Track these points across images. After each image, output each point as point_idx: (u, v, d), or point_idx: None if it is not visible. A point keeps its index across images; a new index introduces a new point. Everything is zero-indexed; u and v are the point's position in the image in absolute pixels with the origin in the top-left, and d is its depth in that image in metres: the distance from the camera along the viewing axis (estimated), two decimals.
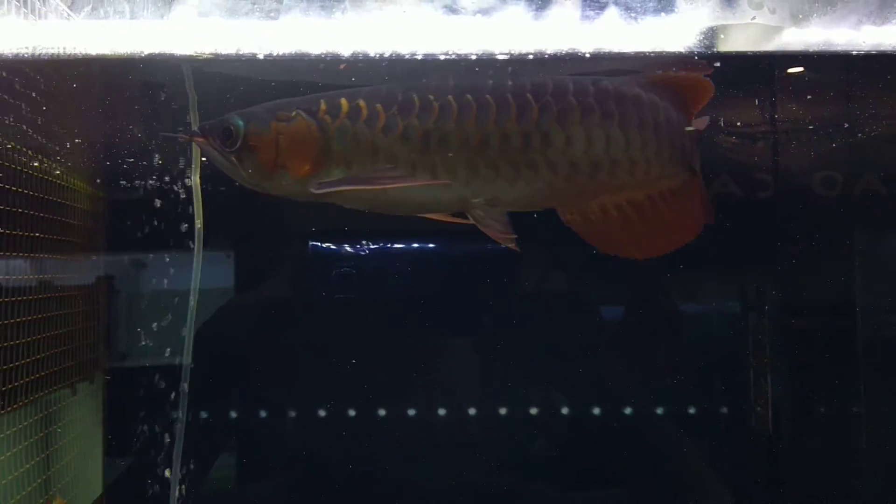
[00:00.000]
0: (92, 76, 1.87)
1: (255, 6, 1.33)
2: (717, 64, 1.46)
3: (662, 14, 1.35)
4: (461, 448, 2.41)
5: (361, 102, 1.37)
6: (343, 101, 1.37)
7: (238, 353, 2.40)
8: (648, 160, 1.44)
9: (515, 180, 1.42)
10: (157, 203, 2.49)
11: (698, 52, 1.41)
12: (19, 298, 2.08)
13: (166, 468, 2.36)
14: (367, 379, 2.39)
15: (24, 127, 2.04)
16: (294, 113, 1.38)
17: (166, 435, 2.38)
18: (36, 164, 2.16)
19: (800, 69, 1.71)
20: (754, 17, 1.40)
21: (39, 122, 2.08)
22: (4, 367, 1.90)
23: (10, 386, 1.84)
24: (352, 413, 2.42)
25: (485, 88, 1.37)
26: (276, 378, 2.41)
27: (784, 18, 1.37)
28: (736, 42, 1.46)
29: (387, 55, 1.35)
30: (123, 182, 2.48)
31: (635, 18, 1.35)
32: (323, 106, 1.38)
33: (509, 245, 1.43)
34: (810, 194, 2.16)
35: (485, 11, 1.33)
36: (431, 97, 1.35)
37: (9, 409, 1.84)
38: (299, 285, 2.37)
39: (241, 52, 1.34)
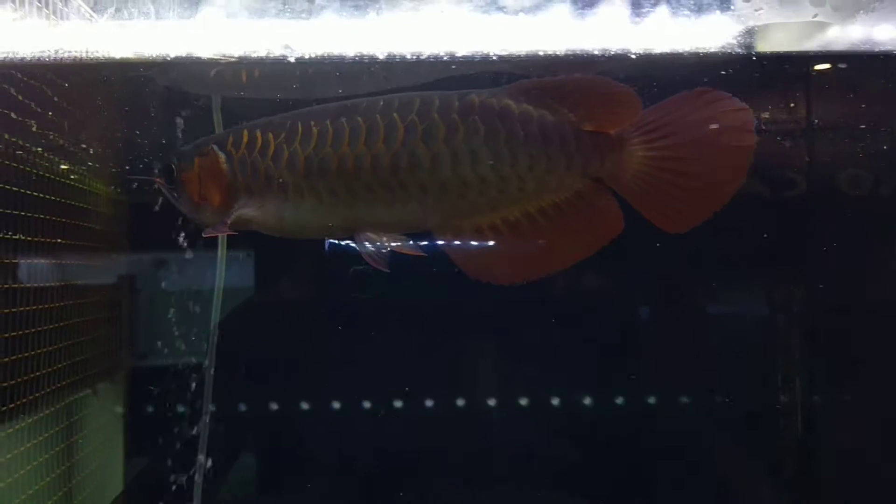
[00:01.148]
0: (113, 79, 1.82)
1: (286, 7, 1.27)
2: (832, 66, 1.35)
3: (717, 12, 1.27)
4: (484, 451, 2.38)
5: (258, 133, 1.41)
6: (245, 132, 1.42)
7: (255, 352, 2.39)
8: (521, 175, 1.36)
9: (392, 203, 1.40)
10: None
11: (752, 52, 1.33)
12: (44, 304, 2.06)
13: (188, 466, 2.34)
14: (386, 379, 2.38)
15: (47, 131, 2.01)
16: (209, 148, 1.46)
17: (188, 432, 2.37)
18: (59, 167, 2.13)
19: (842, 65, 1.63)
20: (816, 15, 1.32)
21: (62, 126, 2.04)
22: (31, 375, 1.88)
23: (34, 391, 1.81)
24: (371, 410, 2.41)
25: (358, 109, 1.34)
26: (292, 377, 2.39)
27: (847, 16, 1.29)
28: (786, 40, 1.38)
29: (424, 56, 1.28)
30: (143, 184, 2.46)
31: (688, 17, 1.27)
32: (230, 139, 1.44)
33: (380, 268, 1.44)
34: (846, 194, 2.10)
35: (528, 10, 1.26)
36: (312, 123, 1.36)
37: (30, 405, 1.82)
38: (317, 284, 2.35)
39: (270, 55, 1.27)
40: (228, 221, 1.48)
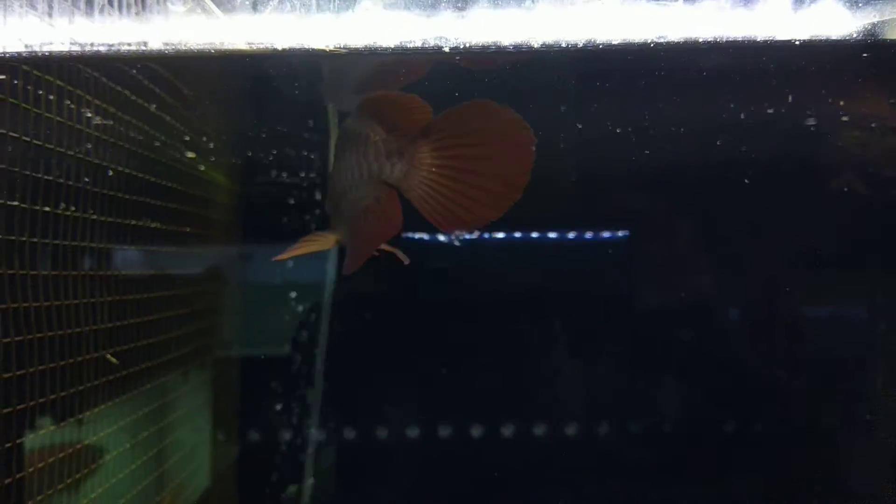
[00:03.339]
0: (235, 70, 1.87)
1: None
2: None
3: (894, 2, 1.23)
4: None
5: None
6: None
7: (330, 346, 2.43)
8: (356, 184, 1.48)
9: None
10: (288, 199, 2.52)
11: None
12: (172, 291, 2.13)
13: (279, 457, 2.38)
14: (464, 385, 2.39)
15: (177, 123, 2.07)
16: None
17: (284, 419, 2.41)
18: (183, 158, 2.20)
19: None
20: None
21: (189, 118, 2.11)
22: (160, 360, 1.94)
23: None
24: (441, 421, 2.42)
25: None
26: (370, 376, 2.43)
27: None
28: None
29: (580, 45, 1.27)
30: (259, 176, 2.52)
31: (857, 4, 1.24)
32: None
33: None
34: None
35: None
36: None
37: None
38: (394, 280, 2.36)
39: (427, 44, 1.29)
40: None
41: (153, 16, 1.36)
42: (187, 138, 2.17)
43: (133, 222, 1.86)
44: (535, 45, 1.27)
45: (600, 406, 2.37)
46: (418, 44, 1.29)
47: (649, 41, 1.24)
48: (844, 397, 2.21)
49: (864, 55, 1.30)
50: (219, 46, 1.30)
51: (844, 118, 1.83)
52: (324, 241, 1.63)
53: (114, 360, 1.69)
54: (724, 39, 1.24)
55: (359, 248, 1.48)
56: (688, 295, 2.25)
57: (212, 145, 2.41)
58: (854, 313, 2.28)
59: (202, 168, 2.39)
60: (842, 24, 1.23)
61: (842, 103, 1.70)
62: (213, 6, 1.47)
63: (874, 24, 1.23)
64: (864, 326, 2.23)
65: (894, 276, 2.12)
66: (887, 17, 1.22)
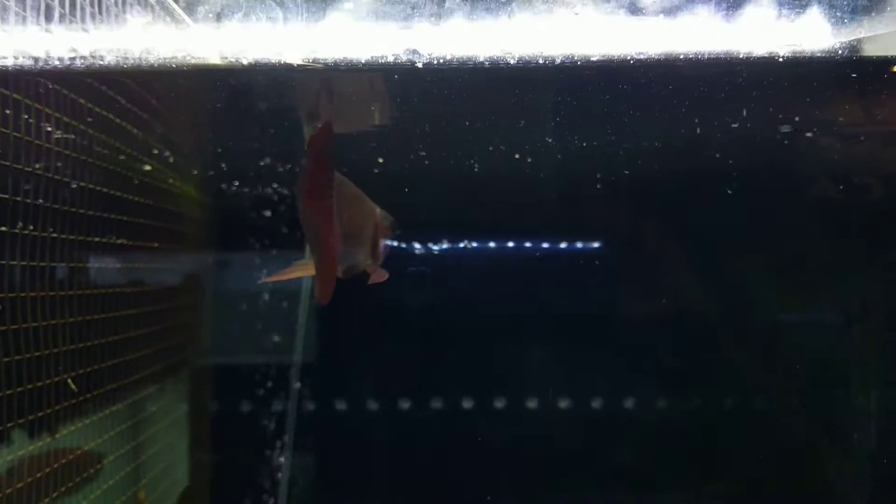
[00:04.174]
0: (205, 84, 1.82)
1: (415, 11, 1.23)
2: None
3: (873, 14, 1.20)
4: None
5: None
6: None
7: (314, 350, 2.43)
8: None
9: None
10: (263, 212, 2.47)
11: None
12: (128, 311, 2.07)
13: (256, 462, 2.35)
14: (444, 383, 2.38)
15: (143, 134, 2.01)
16: None
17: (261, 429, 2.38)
18: (151, 172, 2.14)
19: None
20: None
21: (160, 131, 2.05)
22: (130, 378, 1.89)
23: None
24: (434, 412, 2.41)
25: None
26: (350, 376, 2.43)
27: None
28: None
29: (557, 60, 1.23)
30: (230, 189, 2.49)
31: (842, 19, 1.21)
32: None
33: None
34: None
35: (668, 12, 1.21)
36: None
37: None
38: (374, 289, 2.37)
39: (398, 60, 1.24)
40: None
41: (115, 26, 1.31)
42: (156, 151, 2.11)
43: (96, 239, 1.80)
44: (512, 61, 1.22)
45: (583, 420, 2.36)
46: (390, 59, 1.24)
47: (629, 57, 1.20)
48: (823, 404, 2.21)
49: (845, 71, 1.28)
50: (182, 60, 1.25)
51: (825, 129, 1.81)
52: (307, 269, 1.61)
53: (74, 386, 1.62)
54: (706, 55, 1.21)
55: (322, 277, 1.46)
56: (669, 304, 2.24)
57: (182, 158, 2.35)
58: (833, 320, 2.29)
59: (172, 181, 2.34)
60: (823, 40, 1.20)
61: (820, 115, 1.68)
62: (184, 15, 1.42)
63: (859, 41, 1.21)
64: (843, 333, 2.24)
65: (874, 281, 2.12)
66: (869, 34, 1.20)
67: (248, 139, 2.30)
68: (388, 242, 1.73)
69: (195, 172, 2.48)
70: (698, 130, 1.58)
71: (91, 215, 1.77)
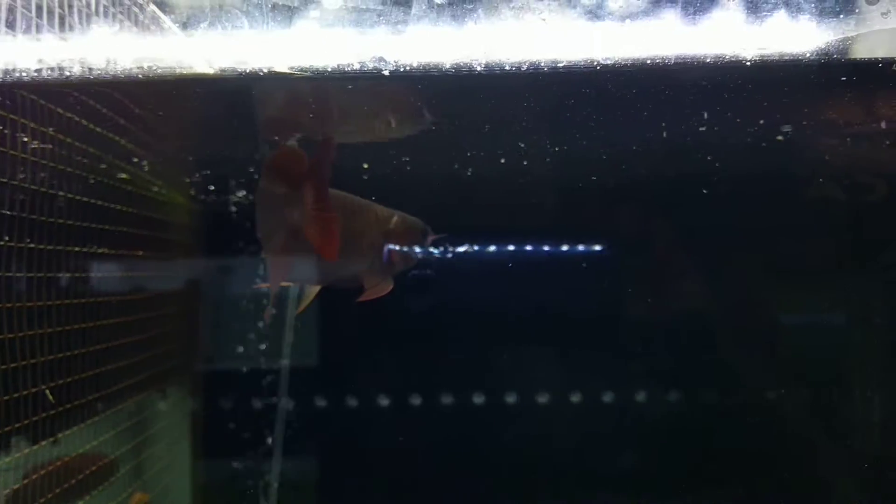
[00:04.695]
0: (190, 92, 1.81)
1: (381, 18, 1.22)
2: None
3: (841, 16, 1.19)
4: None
5: None
6: None
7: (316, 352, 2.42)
8: None
9: None
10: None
11: (879, 59, 1.24)
12: (122, 318, 2.06)
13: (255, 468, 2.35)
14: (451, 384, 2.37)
15: (127, 143, 2.01)
16: None
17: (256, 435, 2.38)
18: (142, 179, 2.14)
19: None
20: None
21: (145, 140, 2.05)
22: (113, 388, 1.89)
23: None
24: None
25: None
26: (355, 377, 2.42)
27: None
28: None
29: (524, 67, 1.22)
30: (218, 195, 2.49)
31: (809, 21, 1.20)
32: None
33: None
34: None
35: (634, 16, 1.20)
36: None
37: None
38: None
39: (364, 67, 1.23)
40: None
41: (81, 33, 1.31)
42: (136, 159, 2.11)
43: (76, 248, 1.79)
44: (478, 68, 1.21)
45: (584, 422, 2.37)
46: (356, 66, 1.23)
47: (594, 62, 1.19)
48: (824, 405, 2.20)
49: (815, 74, 1.26)
50: (147, 71, 1.24)
51: (815, 131, 1.80)
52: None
53: (52, 397, 1.62)
54: (673, 59, 1.20)
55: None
56: (671, 305, 2.24)
57: (169, 165, 2.35)
58: (833, 320, 2.28)
59: (158, 189, 2.33)
60: (791, 43, 1.19)
61: (793, 116, 1.67)
62: (170, 23, 1.42)
63: (828, 44, 1.19)
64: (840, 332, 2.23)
65: (871, 283, 2.11)
66: (837, 37, 1.18)
67: (235, 146, 2.30)
68: (418, 250, 1.72)
69: (183, 180, 2.48)
70: (665, 134, 1.57)
71: (70, 225, 1.76)
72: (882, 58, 1.27)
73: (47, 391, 1.60)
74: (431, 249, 1.80)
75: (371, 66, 1.23)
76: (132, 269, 2.18)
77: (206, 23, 1.21)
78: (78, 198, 1.80)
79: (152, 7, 1.32)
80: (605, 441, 2.38)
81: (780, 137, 1.60)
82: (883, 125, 1.73)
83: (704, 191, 1.96)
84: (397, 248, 1.69)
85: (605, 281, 2.26)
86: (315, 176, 1.46)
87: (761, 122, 1.56)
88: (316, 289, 1.67)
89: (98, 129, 1.86)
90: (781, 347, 2.31)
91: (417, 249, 1.74)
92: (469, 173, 1.99)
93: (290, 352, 2.47)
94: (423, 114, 1.65)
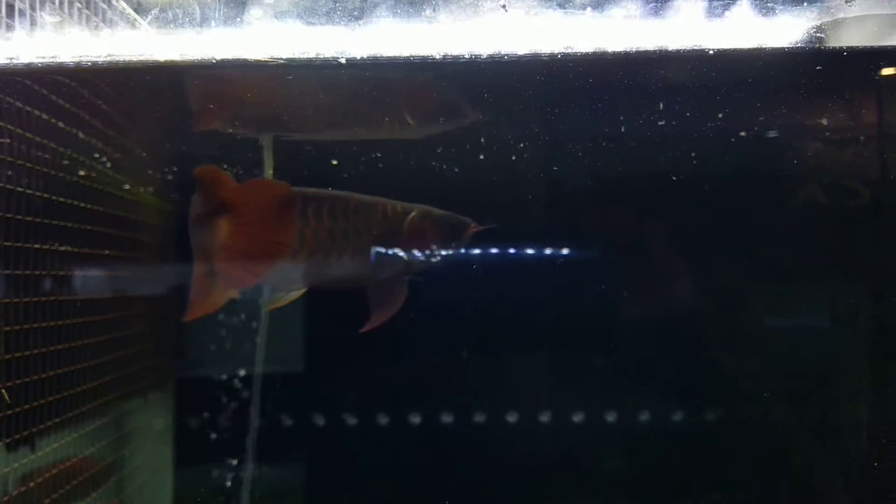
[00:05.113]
0: (160, 84, 1.78)
1: (337, 5, 1.19)
2: None
3: (805, 3, 1.16)
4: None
5: None
6: None
7: (303, 357, 2.38)
8: None
9: None
10: None
11: (844, 48, 1.22)
12: (93, 318, 2.03)
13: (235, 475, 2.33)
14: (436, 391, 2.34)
15: (93, 139, 1.98)
16: None
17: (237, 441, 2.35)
18: (108, 177, 2.11)
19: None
20: None
21: (109, 134, 2.01)
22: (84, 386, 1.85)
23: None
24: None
25: None
26: (338, 384, 2.37)
27: None
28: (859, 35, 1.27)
29: (484, 56, 1.19)
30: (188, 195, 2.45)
31: (772, 10, 1.17)
32: None
33: None
34: None
35: (596, 5, 1.17)
36: None
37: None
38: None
39: (321, 56, 1.20)
40: None
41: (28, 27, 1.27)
42: (102, 156, 2.07)
43: (39, 246, 1.75)
44: (438, 57, 1.18)
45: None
46: (312, 55, 1.20)
47: (557, 53, 1.16)
48: (814, 410, 2.19)
49: (778, 65, 1.24)
50: (95, 59, 1.21)
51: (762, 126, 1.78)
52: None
53: (7, 397, 1.58)
54: (634, 50, 1.17)
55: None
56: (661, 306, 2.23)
57: (140, 163, 2.32)
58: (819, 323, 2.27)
59: (128, 187, 2.29)
60: (754, 34, 1.17)
61: (754, 110, 1.64)
62: (136, 16, 1.39)
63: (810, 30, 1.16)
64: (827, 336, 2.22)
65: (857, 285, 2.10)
66: (802, 26, 1.16)
67: (207, 143, 2.26)
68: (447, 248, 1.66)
69: (154, 178, 2.44)
70: (623, 129, 1.54)
71: (28, 221, 1.72)
72: (847, 47, 1.26)
73: (3, 391, 1.56)
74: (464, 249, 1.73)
75: (327, 55, 1.20)
76: (100, 268, 2.14)
77: (157, 9, 1.18)
78: (38, 194, 1.76)
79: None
80: (592, 450, 2.36)
81: (742, 134, 1.57)
82: (856, 121, 1.72)
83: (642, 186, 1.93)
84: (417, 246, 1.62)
85: (572, 283, 2.24)
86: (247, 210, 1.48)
87: (720, 115, 1.53)
88: (299, 290, 1.65)
89: (67, 127, 1.83)
90: (767, 351, 2.30)
91: (452, 247, 1.67)
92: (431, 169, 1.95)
93: (266, 356, 2.45)
94: (461, 109, 1.59)
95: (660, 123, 1.50)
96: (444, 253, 1.67)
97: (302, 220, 1.54)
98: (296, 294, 1.68)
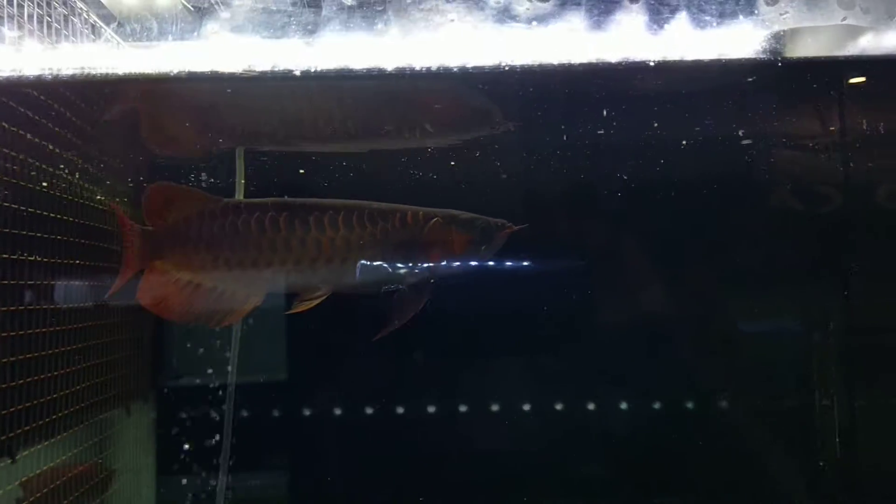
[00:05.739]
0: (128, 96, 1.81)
1: (292, 19, 1.23)
2: None
3: (740, 17, 1.21)
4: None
5: None
6: None
7: (285, 363, 2.39)
8: None
9: None
10: None
11: (778, 59, 1.26)
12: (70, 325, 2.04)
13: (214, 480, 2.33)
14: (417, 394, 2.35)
15: (62, 150, 1.99)
16: None
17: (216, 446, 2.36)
18: (79, 187, 2.12)
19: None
20: (845, 18, 1.25)
21: (78, 145, 2.03)
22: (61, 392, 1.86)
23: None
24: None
25: None
26: (321, 386, 2.39)
27: (879, 19, 1.22)
28: (813, 46, 1.31)
29: (434, 68, 1.23)
30: None
31: (710, 23, 1.21)
32: None
33: None
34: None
35: (541, 19, 1.21)
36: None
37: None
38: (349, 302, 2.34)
39: (276, 69, 1.23)
40: None
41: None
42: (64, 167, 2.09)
43: (10, 256, 1.77)
44: (388, 69, 1.22)
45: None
46: (267, 68, 1.23)
47: (502, 64, 1.20)
48: (783, 413, 2.21)
49: (718, 76, 1.28)
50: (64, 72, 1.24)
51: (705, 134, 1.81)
52: None
53: None
54: (578, 62, 1.21)
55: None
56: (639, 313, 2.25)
57: (111, 174, 2.33)
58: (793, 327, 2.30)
59: (100, 198, 2.31)
60: (692, 47, 1.21)
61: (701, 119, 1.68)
62: (112, 34, 1.41)
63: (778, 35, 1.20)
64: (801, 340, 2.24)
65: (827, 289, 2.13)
66: (739, 37, 1.20)
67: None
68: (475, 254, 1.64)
69: (127, 187, 2.45)
70: (565, 137, 1.58)
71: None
72: (798, 57, 1.30)
73: None
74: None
75: (281, 67, 1.23)
76: (72, 277, 2.15)
77: (115, 24, 1.21)
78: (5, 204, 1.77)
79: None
80: (572, 449, 2.37)
81: (684, 142, 1.61)
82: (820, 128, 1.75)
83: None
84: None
85: (551, 287, 2.26)
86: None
87: (655, 124, 1.56)
88: (319, 294, 1.65)
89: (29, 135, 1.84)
90: (740, 354, 2.32)
91: (483, 250, 1.63)
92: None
93: (245, 363, 2.45)
94: (492, 117, 1.56)
95: (599, 132, 1.53)
96: (474, 257, 1.65)
97: (318, 229, 1.56)
98: (317, 300, 1.68)
